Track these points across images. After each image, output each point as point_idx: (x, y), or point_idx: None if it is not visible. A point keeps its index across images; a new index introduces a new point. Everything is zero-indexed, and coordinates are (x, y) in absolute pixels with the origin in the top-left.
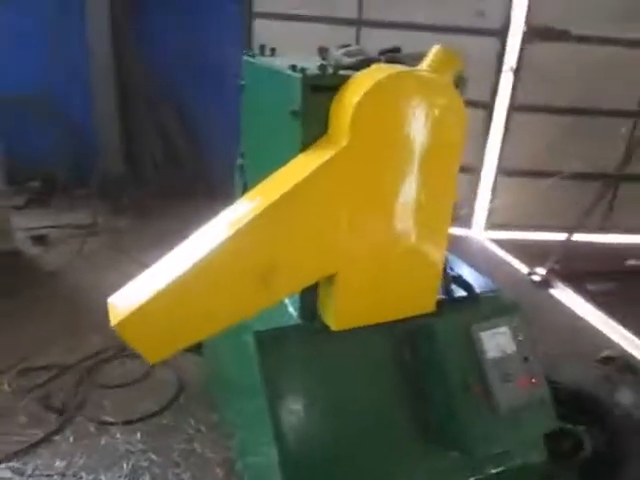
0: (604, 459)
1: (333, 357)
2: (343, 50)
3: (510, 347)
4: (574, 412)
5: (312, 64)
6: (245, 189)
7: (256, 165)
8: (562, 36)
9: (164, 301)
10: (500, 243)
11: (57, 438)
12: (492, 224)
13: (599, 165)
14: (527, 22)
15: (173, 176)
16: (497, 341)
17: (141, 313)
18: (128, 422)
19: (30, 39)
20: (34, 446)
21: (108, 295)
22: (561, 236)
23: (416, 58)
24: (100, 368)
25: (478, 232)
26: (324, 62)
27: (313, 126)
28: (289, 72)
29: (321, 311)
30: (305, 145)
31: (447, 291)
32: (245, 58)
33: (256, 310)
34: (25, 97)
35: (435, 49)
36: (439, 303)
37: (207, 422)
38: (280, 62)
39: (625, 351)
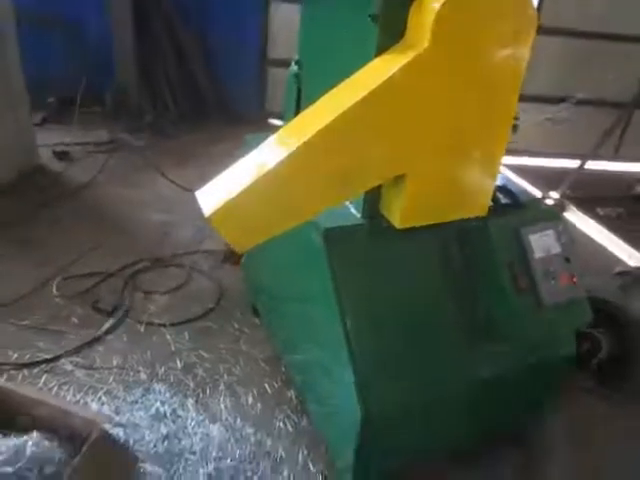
0: (618, 361)
1: (395, 253)
2: None
3: (555, 248)
4: (596, 319)
5: None
6: (299, 96)
7: (318, 72)
8: None
9: (252, 195)
10: (513, 168)
11: (111, 337)
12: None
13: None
14: None
15: (189, 99)
16: (543, 243)
17: (231, 206)
18: (175, 324)
19: None
20: (91, 343)
21: (135, 208)
22: (573, 163)
23: None
24: (140, 276)
25: None
26: None
27: (390, 30)
28: None
29: (384, 210)
30: (381, 50)
31: (493, 198)
32: None
33: (331, 206)
34: (41, 14)
35: None
36: (489, 208)
37: (249, 324)
38: None
39: (635, 267)
